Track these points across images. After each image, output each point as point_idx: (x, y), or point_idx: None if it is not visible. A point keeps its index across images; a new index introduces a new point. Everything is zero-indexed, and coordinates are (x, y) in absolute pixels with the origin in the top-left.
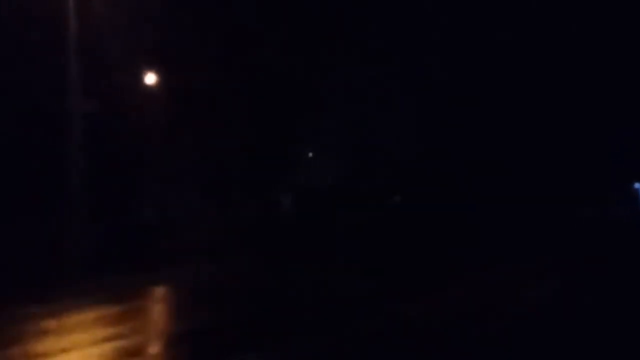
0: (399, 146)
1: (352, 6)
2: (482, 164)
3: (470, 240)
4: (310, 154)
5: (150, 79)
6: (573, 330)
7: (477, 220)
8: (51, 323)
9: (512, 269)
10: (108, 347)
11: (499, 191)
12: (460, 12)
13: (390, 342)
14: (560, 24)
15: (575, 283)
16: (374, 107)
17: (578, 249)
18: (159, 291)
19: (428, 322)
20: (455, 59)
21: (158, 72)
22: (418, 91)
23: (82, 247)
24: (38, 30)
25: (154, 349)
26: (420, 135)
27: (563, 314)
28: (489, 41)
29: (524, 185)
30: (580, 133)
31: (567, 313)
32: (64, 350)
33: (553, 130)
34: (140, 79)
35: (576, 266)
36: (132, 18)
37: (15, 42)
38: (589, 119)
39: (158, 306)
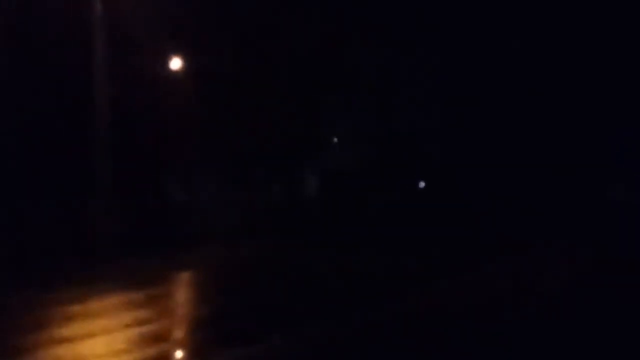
0: (424, 132)
1: None
2: (509, 151)
3: (498, 225)
4: (335, 139)
5: (176, 63)
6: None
7: (503, 206)
8: (76, 307)
9: (540, 252)
10: (133, 332)
11: (526, 174)
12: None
13: (418, 326)
14: (568, 25)
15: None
16: (399, 91)
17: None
18: (184, 275)
19: (456, 306)
20: (475, 54)
21: (183, 56)
22: (443, 79)
23: (107, 230)
24: (63, 16)
25: (180, 333)
26: (444, 122)
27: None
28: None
29: (550, 167)
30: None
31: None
32: (89, 335)
33: (573, 118)
34: (165, 63)
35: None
36: (157, 2)
37: (39, 25)
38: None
39: (183, 290)
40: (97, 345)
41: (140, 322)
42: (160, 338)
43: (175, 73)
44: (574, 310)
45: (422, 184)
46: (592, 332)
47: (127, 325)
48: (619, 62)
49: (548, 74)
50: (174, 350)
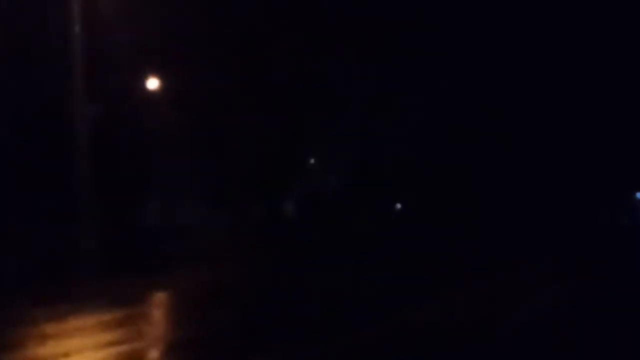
0: (401, 153)
1: (358, 10)
2: (489, 171)
3: (476, 246)
4: (312, 161)
5: (153, 83)
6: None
7: (484, 227)
8: (54, 326)
9: (521, 273)
10: (109, 352)
11: (506, 198)
12: (468, 18)
13: (398, 346)
14: (572, 35)
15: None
16: (377, 114)
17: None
18: (162, 296)
19: (437, 326)
20: (461, 67)
21: (162, 76)
22: (423, 98)
23: (86, 250)
24: (43, 34)
25: (156, 354)
26: (423, 142)
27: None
28: (495, 51)
29: (533, 190)
30: (587, 140)
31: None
32: (65, 355)
33: (561, 138)
34: (143, 83)
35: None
36: (136, 22)
37: (20, 46)
38: (597, 128)
39: (161, 311)
40: None
41: (116, 342)
42: (135, 358)
43: (154, 93)
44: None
45: (398, 206)
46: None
47: (103, 345)
48: (625, 76)
49: (539, 99)
50: None
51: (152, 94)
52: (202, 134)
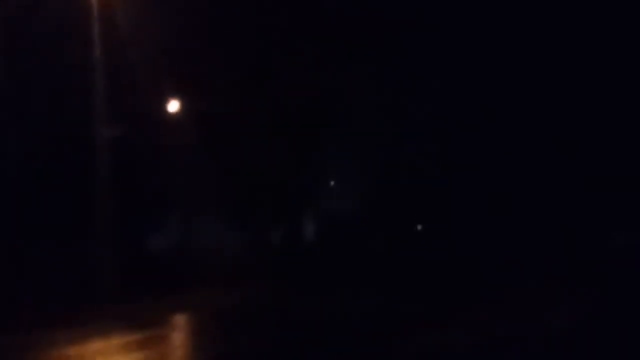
0: (420, 173)
1: (366, 20)
2: (508, 189)
3: (495, 267)
4: (332, 182)
5: (174, 105)
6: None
7: (502, 247)
8: (75, 349)
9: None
10: None
11: (524, 216)
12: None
13: None
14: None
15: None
16: (392, 133)
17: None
18: (182, 318)
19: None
20: (476, 78)
21: (182, 98)
22: (439, 114)
23: (106, 271)
24: (63, 55)
25: None
26: (441, 160)
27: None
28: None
29: (550, 209)
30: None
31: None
32: None
33: (577, 158)
34: (164, 106)
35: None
36: (155, 45)
37: (41, 69)
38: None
39: (181, 333)
40: None
41: None
42: None
43: (174, 115)
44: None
45: (419, 227)
46: None
47: None
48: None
49: (549, 116)
50: None
51: (172, 116)
52: (220, 156)
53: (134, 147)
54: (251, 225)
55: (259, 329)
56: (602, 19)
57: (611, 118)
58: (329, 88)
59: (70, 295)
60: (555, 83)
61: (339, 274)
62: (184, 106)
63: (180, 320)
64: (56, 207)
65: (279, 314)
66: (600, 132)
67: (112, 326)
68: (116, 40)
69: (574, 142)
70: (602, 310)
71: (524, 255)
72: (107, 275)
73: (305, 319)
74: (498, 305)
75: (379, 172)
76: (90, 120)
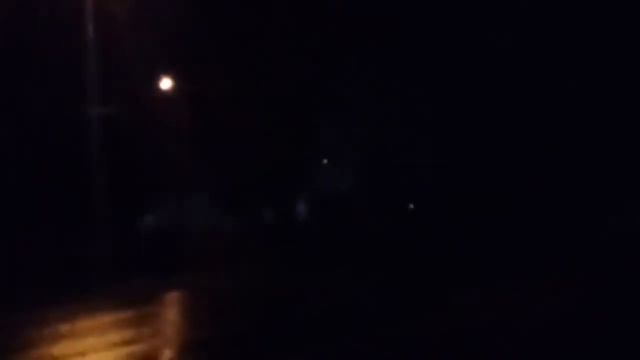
0: (414, 152)
1: (361, 11)
2: (500, 171)
3: (488, 250)
4: (325, 161)
5: (166, 84)
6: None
7: (495, 229)
8: (68, 326)
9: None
10: (123, 351)
11: (517, 200)
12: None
13: (407, 349)
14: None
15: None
16: (388, 111)
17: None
18: (175, 297)
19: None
20: (474, 67)
21: (174, 77)
22: (434, 96)
23: (99, 252)
24: (56, 35)
25: (169, 354)
26: (436, 141)
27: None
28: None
29: (541, 192)
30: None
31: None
32: (81, 354)
33: (572, 139)
34: (157, 84)
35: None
36: (148, 24)
37: (32, 48)
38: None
39: (174, 311)
40: None
41: (131, 341)
42: (149, 358)
43: (167, 94)
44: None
45: (411, 206)
46: None
47: (117, 344)
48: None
49: (548, 100)
50: None
51: (165, 94)
52: (214, 136)
53: (127, 126)
54: (244, 205)
55: (250, 308)
56: (606, 18)
57: (607, 109)
58: (324, 69)
59: (63, 275)
60: (553, 72)
61: (331, 253)
62: (177, 85)
63: (171, 299)
64: (48, 189)
65: (270, 293)
66: (596, 121)
67: (104, 305)
68: (109, 19)
69: (569, 127)
70: (594, 300)
71: (516, 241)
72: (99, 255)
73: (296, 299)
74: (487, 291)
75: (372, 152)
76: (83, 98)
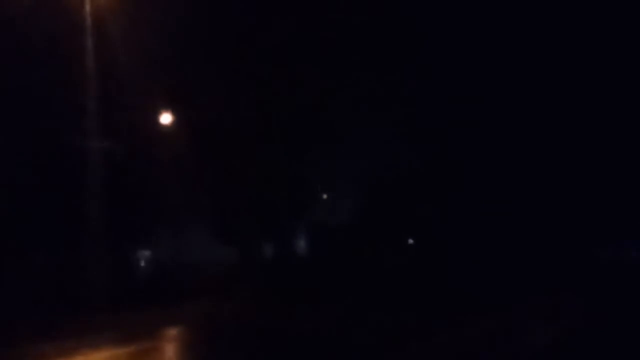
0: (411, 184)
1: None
2: (496, 202)
3: (484, 281)
4: (325, 196)
5: (166, 118)
6: None
7: (491, 261)
8: None
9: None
10: None
11: (512, 230)
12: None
13: None
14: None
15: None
16: (386, 144)
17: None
18: (172, 330)
19: None
20: (464, 89)
21: (173, 111)
22: (433, 129)
23: (96, 283)
24: (56, 69)
25: None
26: (430, 174)
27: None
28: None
29: (537, 224)
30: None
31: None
32: None
33: (565, 169)
34: (157, 118)
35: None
36: (148, 59)
37: (33, 80)
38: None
39: (171, 346)
40: None
41: None
42: None
43: (166, 128)
44: None
45: (410, 241)
46: None
47: None
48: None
49: (543, 132)
50: None
51: (164, 129)
52: (212, 169)
53: (126, 160)
54: (243, 239)
55: (246, 343)
56: (611, 21)
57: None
58: (321, 102)
59: (61, 307)
60: (552, 84)
61: (328, 287)
62: (176, 119)
63: (169, 333)
64: (47, 220)
65: (266, 328)
66: (592, 145)
67: (102, 338)
68: (109, 53)
69: (564, 156)
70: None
71: (513, 271)
72: (97, 286)
73: (291, 333)
74: (482, 321)
75: (371, 186)
76: (83, 132)
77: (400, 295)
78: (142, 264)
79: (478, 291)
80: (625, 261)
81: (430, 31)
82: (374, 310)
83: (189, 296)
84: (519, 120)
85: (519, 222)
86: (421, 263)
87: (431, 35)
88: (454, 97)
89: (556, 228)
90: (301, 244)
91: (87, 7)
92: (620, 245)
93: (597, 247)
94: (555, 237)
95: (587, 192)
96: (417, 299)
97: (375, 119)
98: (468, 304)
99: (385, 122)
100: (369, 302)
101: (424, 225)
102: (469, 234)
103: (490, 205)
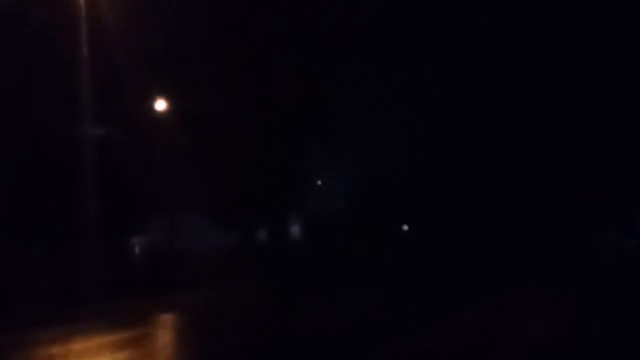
0: (406, 171)
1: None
2: (492, 188)
3: (480, 268)
4: (319, 182)
5: (161, 105)
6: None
7: (488, 248)
8: (61, 348)
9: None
10: None
11: (512, 217)
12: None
13: None
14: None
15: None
16: (381, 130)
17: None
18: (167, 317)
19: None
20: (459, 79)
21: (168, 98)
22: (428, 114)
23: (91, 271)
24: (50, 58)
25: None
26: (427, 160)
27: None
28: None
29: (538, 213)
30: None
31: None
32: None
33: (563, 156)
34: (152, 105)
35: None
36: (143, 45)
37: (28, 68)
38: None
39: (166, 332)
40: None
41: None
42: None
43: (162, 115)
44: None
45: (405, 227)
46: None
47: None
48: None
49: (542, 118)
50: None
51: (159, 115)
52: (207, 156)
53: (120, 146)
54: (238, 225)
55: (241, 329)
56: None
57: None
58: (317, 89)
59: (56, 294)
60: (549, 81)
61: (322, 274)
62: (171, 106)
63: (163, 320)
64: (42, 208)
65: (261, 314)
66: (591, 138)
67: (96, 325)
68: (104, 40)
69: (563, 147)
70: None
71: (510, 258)
72: (92, 274)
73: (285, 320)
74: (478, 311)
75: (365, 172)
76: (77, 120)
77: (388, 284)
78: (137, 251)
79: (476, 278)
80: (625, 249)
81: (430, 31)
82: (366, 298)
83: (183, 283)
84: (521, 107)
85: (520, 210)
86: (412, 250)
87: (431, 35)
88: (454, 87)
89: (557, 216)
90: (295, 230)
91: None
92: (620, 234)
93: (597, 234)
94: (555, 224)
95: (588, 180)
96: (406, 290)
97: (374, 109)
98: (467, 292)
99: (383, 115)
100: (361, 291)
101: (419, 212)
102: (468, 220)
103: (490, 192)
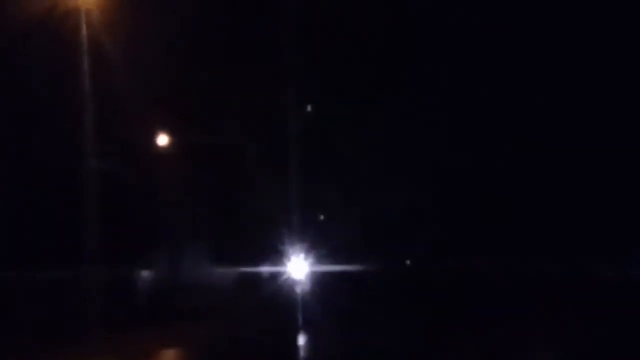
0: (411, 209)
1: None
2: (491, 222)
3: (482, 304)
4: (322, 217)
5: (163, 139)
6: None
7: (489, 283)
8: None
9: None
10: None
11: (509, 247)
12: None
13: None
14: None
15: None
16: (385, 167)
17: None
18: (169, 352)
19: None
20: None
21: (171, 132)
22: (433, 151)
23: (92, 303)
24: (52, 88)
25: None
26: (433, 200)
27: None
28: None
29: (535, 239)
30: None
31: None
32: None
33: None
34: (153, 139)
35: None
36: (144, 79)
37: (29, 100)
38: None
39: None
40: None
41: None
42: None
43: (164, 148)
44: None
45: (407, 262)
46: None
47: None
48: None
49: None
50: None
51: (162, 149)
52: (210, 190)
53: (123, 181)
54: (242, 260)
55: None
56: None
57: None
58: (321, 122)
59: (55, 327)
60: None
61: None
62: (173, 139)
63: (166, 356)
64: (42, 239)
65: (266, 350)
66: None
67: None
68: (106, 74)
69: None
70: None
71: (514, 291)
72: (93, 307)
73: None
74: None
75: (368, 208)
76: (79, 152)
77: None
78: (140, 284)
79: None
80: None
81: (429, 30)
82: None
83: (189, 317)
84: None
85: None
86: (415, 285)
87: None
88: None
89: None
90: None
91: (84, 28)
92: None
93: (599, 263)
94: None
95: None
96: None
97: (374, 142)
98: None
99: (383, 147)
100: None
101: (422, 248)
102: (470, 256)
103: (491, 227)
